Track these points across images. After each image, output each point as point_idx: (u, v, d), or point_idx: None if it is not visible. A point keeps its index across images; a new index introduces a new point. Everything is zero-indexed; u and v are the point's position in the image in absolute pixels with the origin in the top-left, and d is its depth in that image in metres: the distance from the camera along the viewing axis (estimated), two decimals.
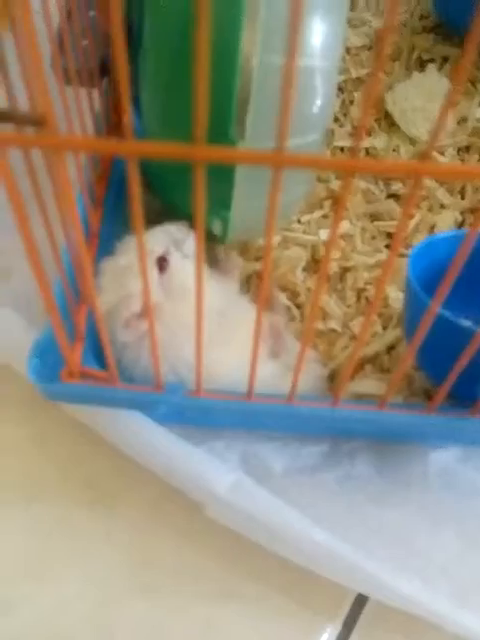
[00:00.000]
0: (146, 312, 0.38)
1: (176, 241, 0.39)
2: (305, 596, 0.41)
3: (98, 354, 0.38)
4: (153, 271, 0.38)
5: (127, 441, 0.40)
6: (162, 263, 0.39)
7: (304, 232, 0.51)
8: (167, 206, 0.46)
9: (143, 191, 0.51)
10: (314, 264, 0.50)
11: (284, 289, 0.48)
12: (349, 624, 0.40)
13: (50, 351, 0.36)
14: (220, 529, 0.41)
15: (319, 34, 0.35)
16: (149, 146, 0.21)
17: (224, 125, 0.35)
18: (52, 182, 0.28)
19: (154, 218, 0.49)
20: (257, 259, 0.49)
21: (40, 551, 0.42)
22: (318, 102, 0.37)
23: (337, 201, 0.53)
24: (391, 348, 0.45)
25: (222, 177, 0.37)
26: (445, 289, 0.27)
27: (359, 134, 0.22)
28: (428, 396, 0.42)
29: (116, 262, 0.39)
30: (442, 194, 0.54)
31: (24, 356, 0.41)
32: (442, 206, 0.54)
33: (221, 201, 0.39)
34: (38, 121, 0.20)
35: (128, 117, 0.21)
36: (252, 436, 0.44)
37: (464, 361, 0.30)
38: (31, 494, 0.44)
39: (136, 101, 0.45)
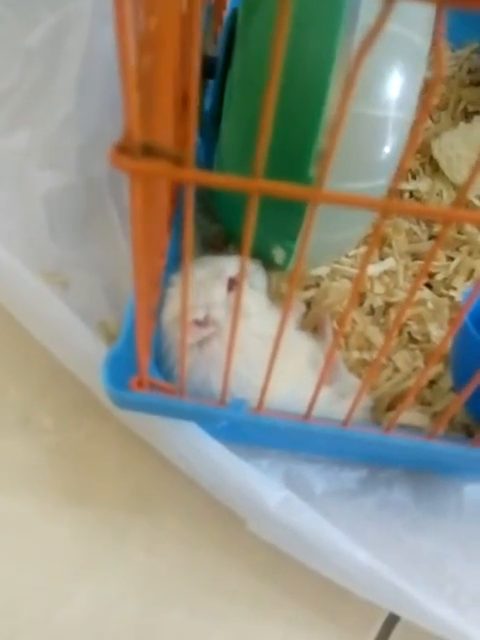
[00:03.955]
0: (208, 321, 0.41)
1: (247, 271, 0.42)
2: (338, 614, 0.43)
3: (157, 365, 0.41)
4: (223, 289, 0.41)
5: (181, 452, 0.41)
6: (232, 284, 0.41)
7: (351, 266, 0.54)
8: (232, 235, 0.50)
9: (212, 220, 0.54)
10: (359, 296, 0.52)
11: (331, 318, 0.50)
12: None
13: (121, 361, 0.38)
14: (259, 545, 0.42)
15: (396, 87, 0.38)
16: (208, 176, 0.23)
17: (305, 165, 0.37)
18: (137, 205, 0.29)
19: (220, 245, 0.52)
20: (307, 288, 0.52)
21: (85, 553, 0.44)
22: (387, 150, 0.40)
23: (373, 234, 0.56)
24: (433, 382, 0.47)
25: (293, 210, 0.40)
26: None
27: (397, 177, 0.24)
28: (468, 431, 0.44)
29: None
30: None
31: (89, 365, 0.43)
32: None
33: (288, 232, 0.42)
34: (179, 158, 0.23)
35: (191, 147, 0.23)
36: (295, 457, 0.46)
37: None
38: (80, 498, 0.46)
39: (208, 130, 0.48)
